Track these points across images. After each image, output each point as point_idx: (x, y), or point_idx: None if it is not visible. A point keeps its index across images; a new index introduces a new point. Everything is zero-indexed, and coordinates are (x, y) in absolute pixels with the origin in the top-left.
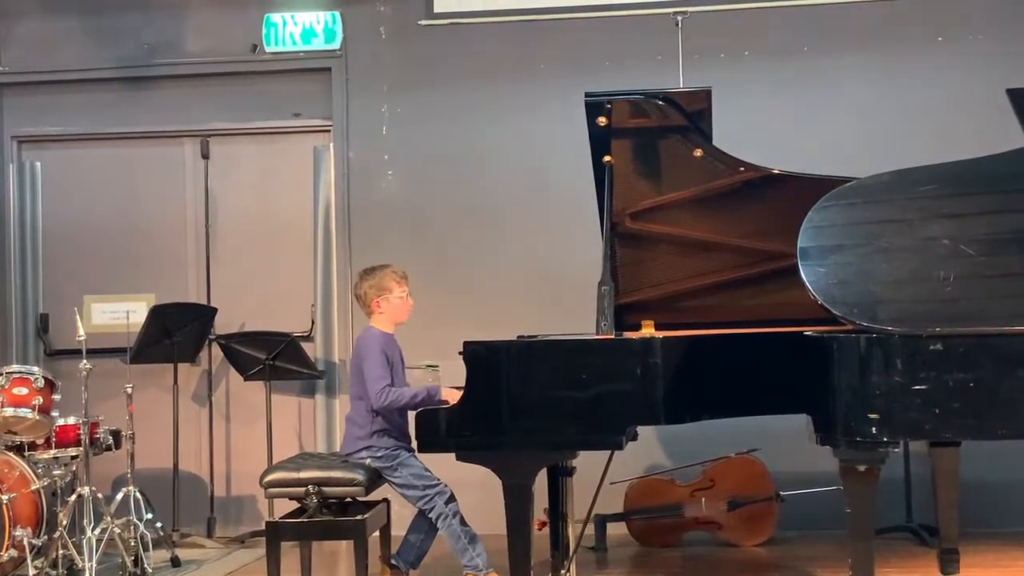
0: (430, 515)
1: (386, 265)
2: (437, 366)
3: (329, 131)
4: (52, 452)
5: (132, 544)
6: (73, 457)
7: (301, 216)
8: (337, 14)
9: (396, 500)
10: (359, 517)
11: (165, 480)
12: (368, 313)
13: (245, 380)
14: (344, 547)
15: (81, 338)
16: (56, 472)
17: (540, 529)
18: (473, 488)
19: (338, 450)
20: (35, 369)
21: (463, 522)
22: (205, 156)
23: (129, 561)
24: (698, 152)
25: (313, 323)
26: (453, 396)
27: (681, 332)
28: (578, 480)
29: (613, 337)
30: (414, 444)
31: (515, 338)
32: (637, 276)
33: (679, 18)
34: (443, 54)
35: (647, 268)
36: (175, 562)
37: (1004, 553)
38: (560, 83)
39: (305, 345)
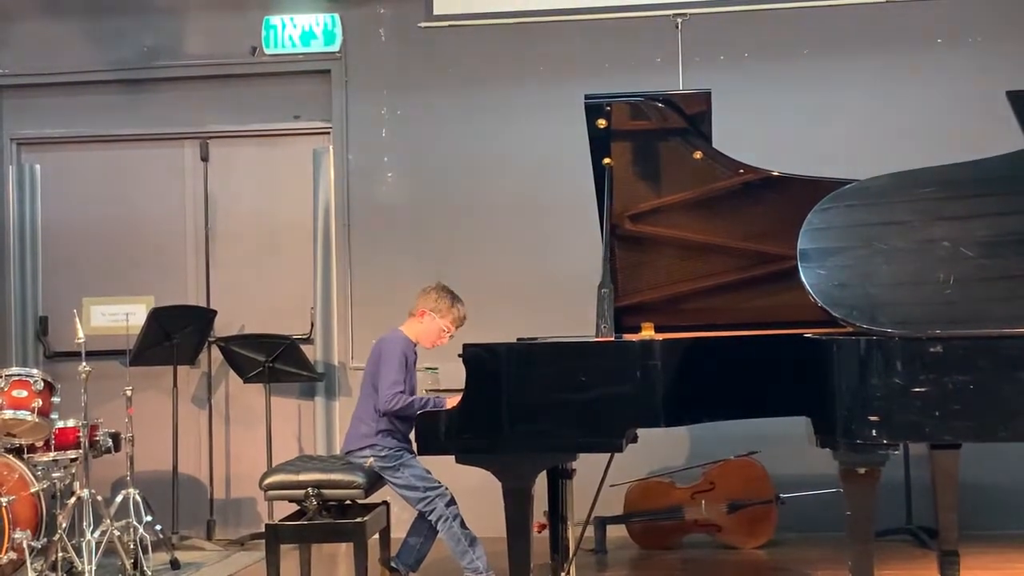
0: (430, 517)
1: (461, 302)
2: (437, 368)
3: (329, 133)
4: (51, 455)
5: (131, 547)
6: (72, 460)
7: (301, 218)
8: (336, 16)
9: (396, 503)
10: (359, 520)
11: (164, 483)
12: (409, 314)
13: (244, 382)
14: (344, 550)
15: (80, 340)
16: (55, 475)
17: (540, 532)
18: (473, 491)
19: (338, 452)
20: (34, 371)
21: (463, 525)
22: (204, 158)
23: (128, 564)
24: (698, 154)
25: (313, 325)
26: None
27: (681, 334)
28: (578, 482)
29: (613, 339)
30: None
31: (514, 340)
32: (637, 278)
33: (679, 20)
34: (443, 56)
35: (647, 270)
36: (174, 565)
37: (1004, 555)
38: (560, 85)
39: (305, 348)
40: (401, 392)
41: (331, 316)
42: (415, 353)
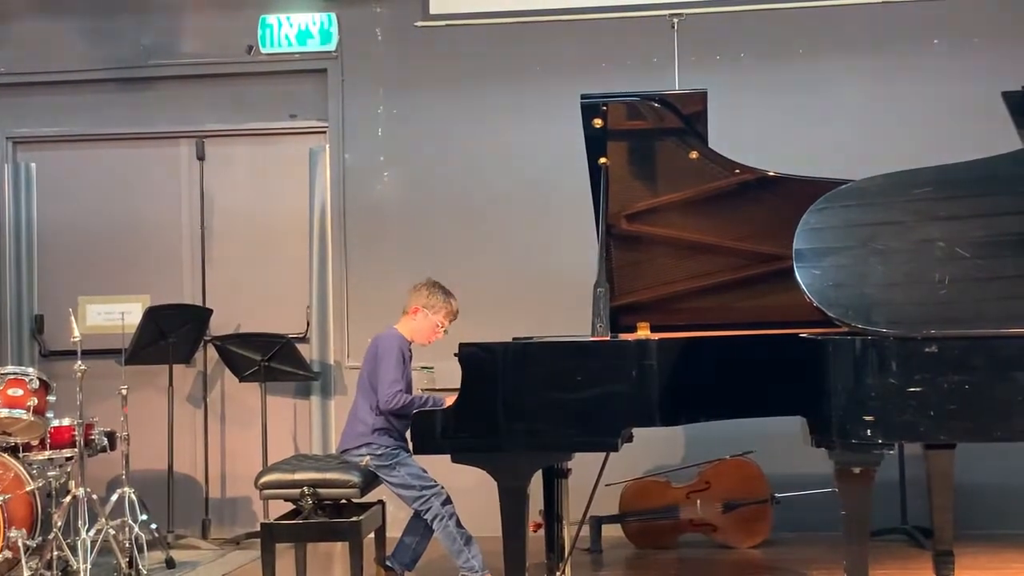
0: (426, 516)
1: (453, 296)
2: (432, 368)
3: (325, 132)
4: (47, 453)
5: (127, 545)
6: (68, 458)
7: (297, 217)
8: (333, 15)
9: (392, 502)
10: (354, 519)
11: (160, 481)
12: (403, 313)
13: (240, 382)
14: (339, 549)
15: (76, 339)
16: (51, 473)
17: (535, 531)
18: (469, 490)
19: (333, 451)
20: (30, 370)
21: (459, 524)
22: (201, 157)
23: (124, 563)
24: (694, 154)
25: (308, 324)
26: None
27: (677, 334)
28: (574, 482)
29: (608, 339)
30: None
31: (510, 340)
32: (633, 278)
33: (675, 20)
34: (439, 55)
35: (643, 270)
36: (170, 564)
37: (999, 555)
38: (556, 85)
39: (300, 347)
40: (401, 391)
41: (327, 315)
42: (410, 351)
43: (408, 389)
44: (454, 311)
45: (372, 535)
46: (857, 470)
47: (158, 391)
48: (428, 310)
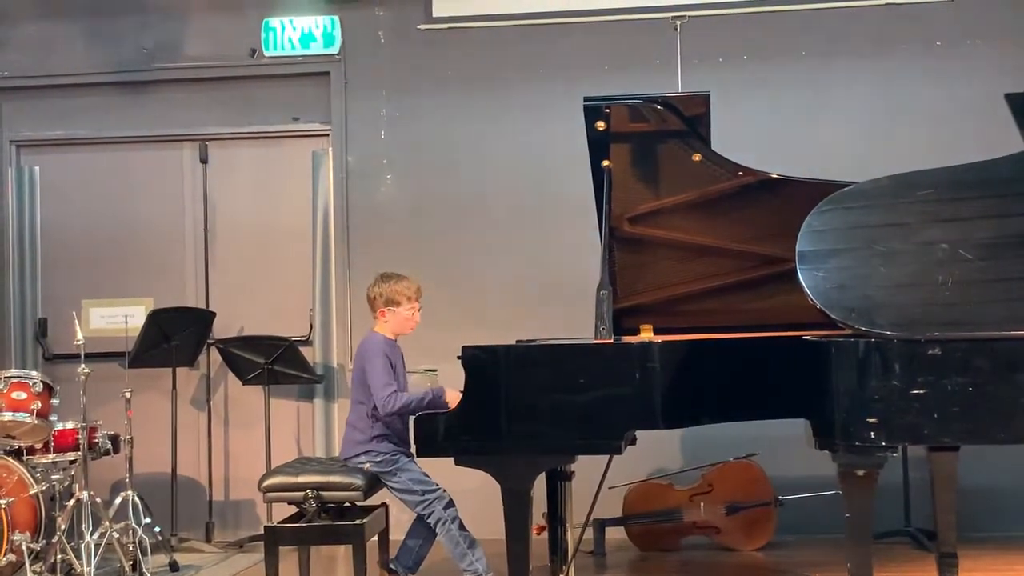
0: (429, 520)
1: (403, 277)
2: (436, 370)
3: (328, 135)
4: (51, 456)
5: (130, 549)
6: (72, 461)
7: (300, 220)
8: (336, 18)
9: (395, 505)
10: (358, 522)
11: (163, 485)
12: (373, 316)
13: (244, 384)
14: (342, 552)
15: (80, 342)
16: (55, 476)
17: (539, 534)
18: (472, 493)
19: (337, 454)
20: (34, 373)
21: (462, 527)
22: (204, 160)
23: (127, 566)
24: (696, 156)
25: (312, 327)
26: (457, 398)
27: (680, 336)
28: (577, 484)
29: (611, 341)
30: (413, 449)
31: (514, 342)
32: (636, 280)
33: (678, 22)
34: (442, 58)
35: (646, 272)
36: (173, 567)
37: (1003, 557)
38: (559, 87)
39: (304, 349)
40: (395, 391)
41: (330, 318)
42: (398, 348)
43: (403, 389)
44: (413, 290)
45: (375, 538)
46: (860, 472)
47: (161, 394)
48: (392, 306)
